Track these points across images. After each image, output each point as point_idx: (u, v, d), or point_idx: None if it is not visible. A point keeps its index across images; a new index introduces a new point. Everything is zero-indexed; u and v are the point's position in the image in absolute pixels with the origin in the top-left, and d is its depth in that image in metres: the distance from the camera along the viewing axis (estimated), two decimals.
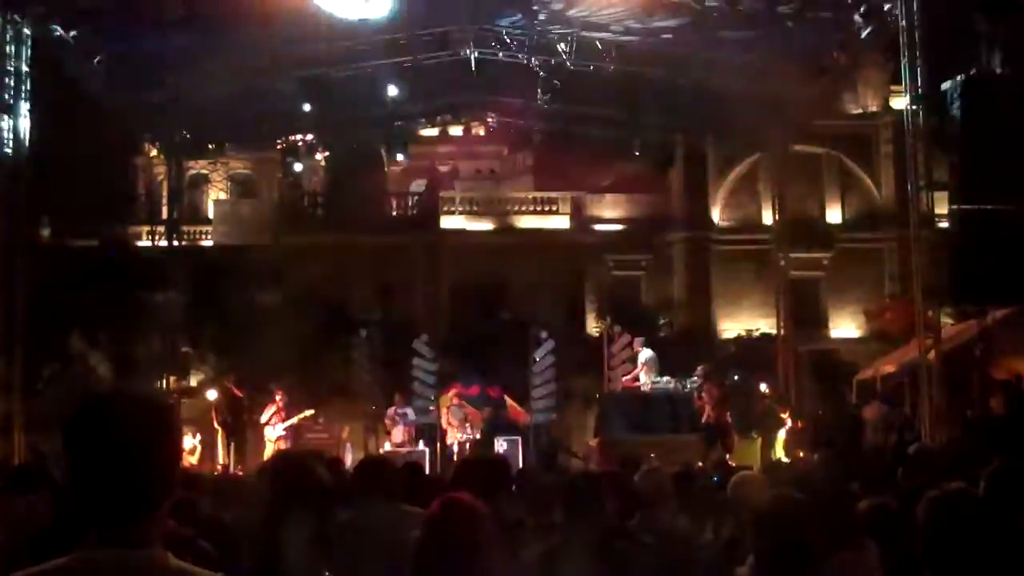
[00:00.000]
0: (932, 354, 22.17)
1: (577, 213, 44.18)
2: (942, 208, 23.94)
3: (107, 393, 2.94)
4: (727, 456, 21.62)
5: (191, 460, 25.36)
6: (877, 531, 5.91)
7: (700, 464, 18.79)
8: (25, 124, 19.68)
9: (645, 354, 26.43)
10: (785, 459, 23.06)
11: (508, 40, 24.91)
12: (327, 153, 40.51)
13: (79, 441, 2.83)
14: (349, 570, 5.60)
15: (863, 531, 5.90)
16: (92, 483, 2.80)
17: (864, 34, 21.58)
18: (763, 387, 27.95)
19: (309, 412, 25.39)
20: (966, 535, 4.39)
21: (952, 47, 22.60)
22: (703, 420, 23.63)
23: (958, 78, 20.78)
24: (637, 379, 26.16)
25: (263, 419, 24.65)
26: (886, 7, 20.65)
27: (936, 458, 10.73)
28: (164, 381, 26.62)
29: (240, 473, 21.23)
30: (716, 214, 43.66)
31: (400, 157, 42.39)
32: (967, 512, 4.50)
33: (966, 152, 21.37)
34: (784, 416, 25.54)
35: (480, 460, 8.54)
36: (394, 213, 44.43)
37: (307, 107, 26.02)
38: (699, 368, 25.11)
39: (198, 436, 26.76)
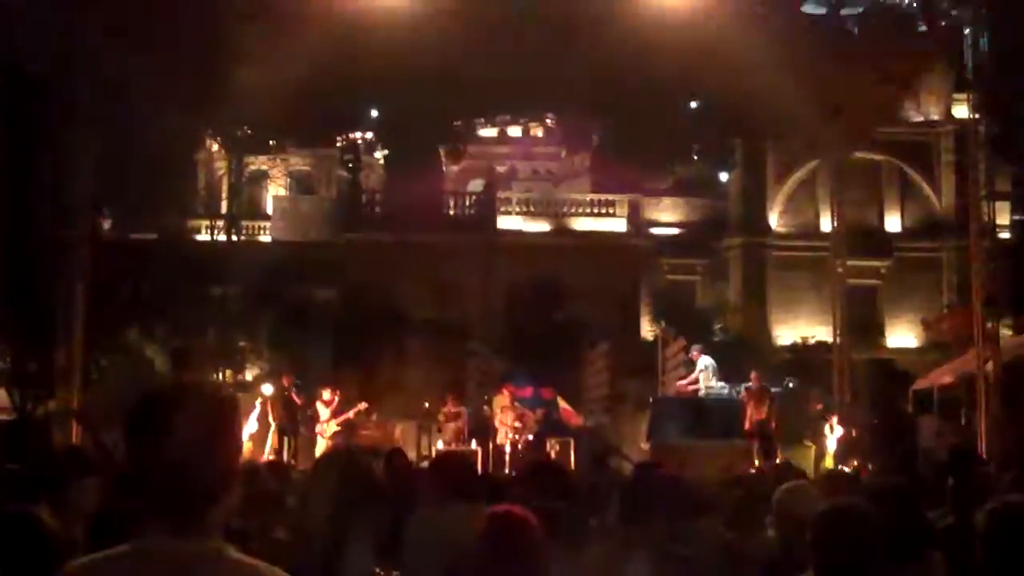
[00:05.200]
0: (990, 365, 22.00)
1: (634, 216, 44.07)
2: (1003, 218, 23.76)
3: (170, 385, 2.97)
4: (764, 462, 21.51)
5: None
6: (941, 544, 5.86)
7: (753, 471, 18.73)
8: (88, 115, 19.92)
9: (704, 360, 26.43)
10: (834, 467, 22.96)
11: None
12: (386, 151, 40.72)
13: (141, 432, 2.87)
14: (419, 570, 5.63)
15: (930, 544, 5.85)
16: (153, 474, 2.83)
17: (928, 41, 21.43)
18: (815, 395, 27.79)
19: (363, 406, 25.50)
20: None
21: (1017, 55, 22.40)
22: (745, 426, 23.65)
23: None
24: (695, 383, 26.15)
25: (321, 417, 24.80)
26: (952, 13, 20.49)
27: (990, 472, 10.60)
28: (220, 374, 26.82)
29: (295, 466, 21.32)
30: (774, 219, 43.44)
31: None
32: None
33: None
34: (833, 423, 25.39)
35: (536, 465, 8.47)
36: (451, 212, 44.49)
37: (367, 106, 26.10)
38: (752, 374, 25.04)
39: (251, 430, 26.88)
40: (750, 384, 24.67)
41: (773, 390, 25.12)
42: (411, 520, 6.13)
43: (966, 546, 5.63)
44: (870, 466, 22.36)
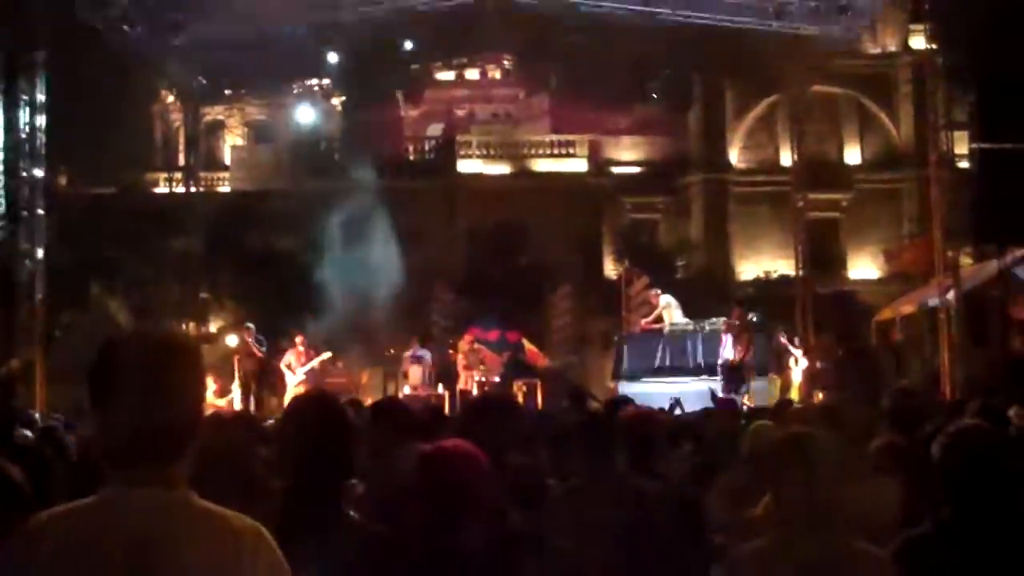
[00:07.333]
0: (951, 294, 22.16)
1: (594, 156, 43.94)
2: (962, 148, 23.84)
3: (131, 332, 2.93)
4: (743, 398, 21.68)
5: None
6: (895, 469, 5.91)
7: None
8: (42, 71, 19.69)
9: (665, 298, 26.49)
10: (799, 400, 23.14)
11: None
12: (343, 98, 40.35)
13: (102, 381, 2.84)
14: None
15: (882, 468, 5.92)
16: (116, 424, 2.80)
17: None
18: (780, 328, 27.96)
19: (327, 355, 25.47)
20: (985, 471, 4.36)
21: None
22: (724, 360, 23.71)
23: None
24: (659, 320, 26.21)
25: (283, 363, 24.77)
26: None
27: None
28: (183, 327, 26.72)
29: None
30: (734, 155, 43.42)
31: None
32: (986, 448, 4.47)
33: (986, 91, 21.22)
34: (798, 356, 25.57)
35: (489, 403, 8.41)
36: (411, 157, 44.27)
37: (323, 52, 25.87)
38: (735, 311, 25.10)
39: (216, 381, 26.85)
40: (733, 320, 24.67)
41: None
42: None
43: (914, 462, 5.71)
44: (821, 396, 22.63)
